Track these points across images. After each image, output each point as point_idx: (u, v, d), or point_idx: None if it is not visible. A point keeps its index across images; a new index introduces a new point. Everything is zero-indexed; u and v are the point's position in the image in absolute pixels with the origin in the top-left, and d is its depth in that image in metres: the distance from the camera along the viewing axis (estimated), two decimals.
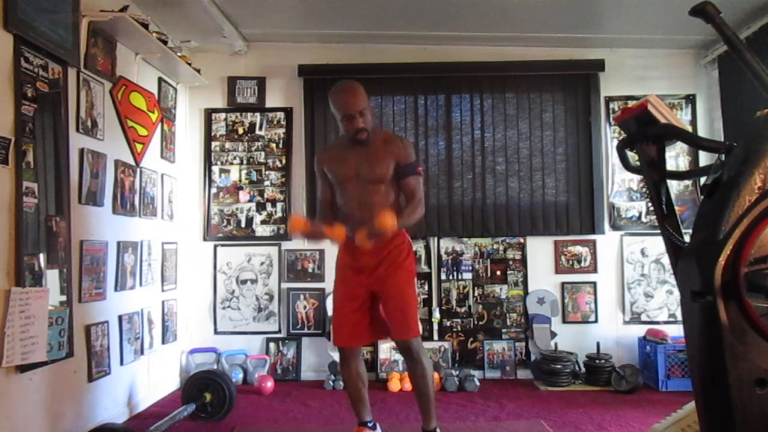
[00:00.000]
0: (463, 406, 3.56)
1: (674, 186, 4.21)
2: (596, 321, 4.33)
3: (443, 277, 4.36)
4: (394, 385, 3.94)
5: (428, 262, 4.36)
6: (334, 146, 2.90)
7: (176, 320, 4.14)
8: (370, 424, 2.76)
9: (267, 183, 4.41)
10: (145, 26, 3.28)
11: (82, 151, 2.96)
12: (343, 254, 2.74)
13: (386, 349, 4.20)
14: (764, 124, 1.46)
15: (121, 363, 3.32)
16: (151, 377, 3.71)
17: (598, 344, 4.13)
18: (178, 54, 3.85)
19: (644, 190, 3.47)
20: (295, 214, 2.70)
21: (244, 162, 4.42)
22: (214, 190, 4.41)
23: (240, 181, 4.41)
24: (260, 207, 4.40)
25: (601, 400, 3.65)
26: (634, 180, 4.34)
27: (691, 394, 1.61)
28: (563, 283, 4.37)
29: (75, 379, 2.88)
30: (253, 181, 4.41)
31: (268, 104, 4.44)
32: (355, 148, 2.65)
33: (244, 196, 4.40)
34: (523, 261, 4.38)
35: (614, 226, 4.38)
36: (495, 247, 4.39)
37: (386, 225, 2.36)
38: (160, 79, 3.95)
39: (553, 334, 4.24)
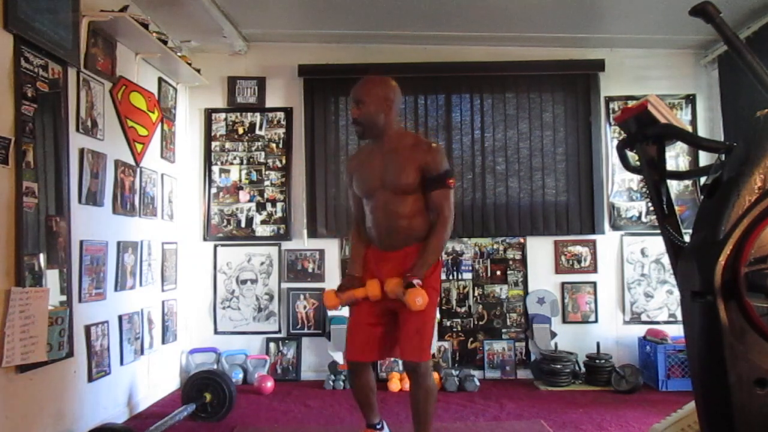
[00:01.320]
0: (463, 406, 3.56)
1: (674, 186, 4.22)
2: (596, 321, 4.34)
3: (443, 277, 4.36)
4: (394, 385, 3.94)
5: None
6: (362, 151, 2.72)
7: (176, 320, 4.14)
8: (378, 426, 2.72)
9: (267, 183, 4.41)
10: (145, 26, 3.28)
11: (82, 151, 2.96)
12: (368, 262, 2.62)
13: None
14: (764, 124, 1.46)
15: (121, 363, 3.32)
16: (151, 377, 3.71)
17: (598, 344, 4.13)
18: (178, 54, 3.85)
19: (644, 190, 3.46)
20: (328, 291, 2.59)
21: (244, 162, 4.42)
22: (214, 190, 4.41)
23: (240, 181, 4.41)
24: (260, 207, 4.40)
25: (601, 400, 3.65)
26: (634, 180, 4.34)
27: (691, 394, 1.61)
28: (563, 283, 4.37)
29: (75, 379, 2.88)
30: (253, 181, 4.41)
31: (268, 104, 4.44)
32: (381, 153, 2.50)
33: (244, 196, 4.40)
34: (523, 261, 4.38)
35: (614, 226, 4.38)
36: (495, 247, 4.39)
37: (415, 306, 2.25)
38: (160, 79, 3.95)
39: (553, 334, 4.24)
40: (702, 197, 1.60)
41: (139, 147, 3.56)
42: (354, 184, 2.62)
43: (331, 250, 4.37)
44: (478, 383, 3.92)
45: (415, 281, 2.32)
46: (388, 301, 2.46)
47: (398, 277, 2.42)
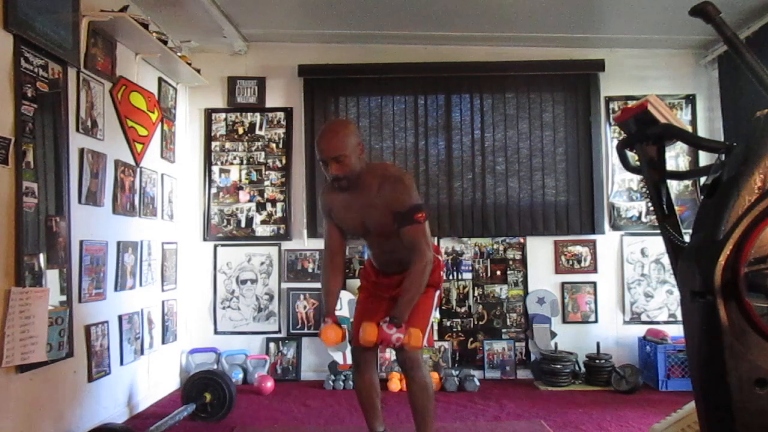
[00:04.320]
0: (463, 406, 3.56)
1: (674, 186, 4.21)
2: (596, 321, 4.33)
3: (443, 276, 4.34)
4: (394, 385, 3.94)
5: None
6: (333, 187, 2.48)
7: (176, 320, 4.14)
8: None
9: (267, 183, 4.41)
10: (145, 26, 3.28)
11: (82, 151, 2.96)
12: (369, 272, 2.67)
13: (387, 349, 4.19)
14: (764, 124, 1.46)
15: (121, 363, 3.32)
16: (151, 377, 3.71)
17: (598, 344, 4.13)
18: (178, 54, 3.85)
19: (644, 190, 3.46)
20: (328, 327, 2.47)
21: (244, 162, 4.42)
22: (214, 190, 4.41)
23: (240, 181, 4.41)
24: (260, 207, 4.40)
25: (601, 400, 3.65)
26: (634, 180, 4.34)
27: (691, 394, 1.61)
28: (563, 283, 4.36)
29: (75, 379, 2.88)
30: (253, 181, 4.41)
31: (268, 104, 4.44)
32: (354, 195, 2.39)
33: (244, 196, 4.40)
34: (523, 261, 4.38)
35: (614, 226, 4.38)
36: (495, 247, 4.39)
37: (367, 341, 2.26)
38: (160, 79, 3.95)
39: (553, 334, 4.24)
40: (702, 197, 1.60)
41: (139, 147, 3.56)
42: (336, 221, 2.56)
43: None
44: (478, 383, 3.92)
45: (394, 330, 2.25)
46: (388, 295, 2.54)
47: (397, 284, 2.48)
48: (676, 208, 1.81)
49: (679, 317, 3.66)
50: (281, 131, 4.43)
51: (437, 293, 2.57)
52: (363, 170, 2.37)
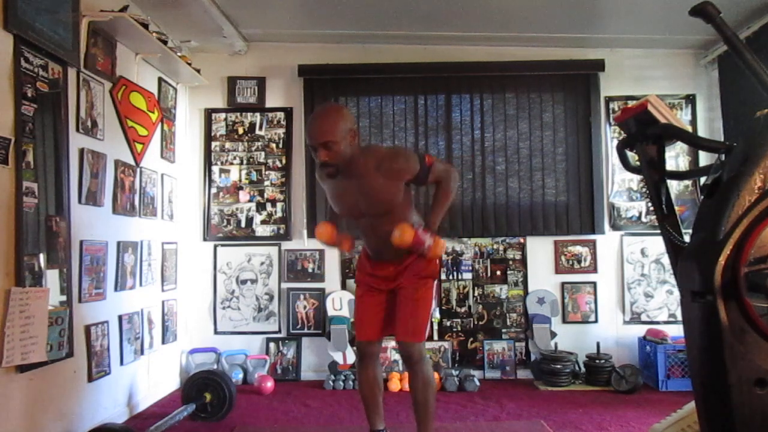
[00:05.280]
0: (463, 406, 3.56)
1: (674, 186, 4.21)
2: (596, 321, 4.33)
3: (443, 277, 4.36)
4: (394, 385, 3.94)
5: None
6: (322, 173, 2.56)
7: (176, 320, 4.14)
8: None
9: (267, 183, 4.41)
10: (145, 26, 3.28)
11: (82, 151, 2.96)
12: (365, 264, 2.66)
13: (387, 349, 4.20)
14: (764, 124, 1.46)
15: (121, 363, 3.32)
16: (151, 377, 3.71)
17: (598, 344, 4.13)
18: (178, 54, 3.85)
19: (644, 190, 3.47)
20: (323, 224, 2.60)
21: (244, 162, 4.42)
22: (214, 190, 4.41)
23: (240, 181, 4.41)
24: (260, 207, 4.40)
25: (601, 400, 3.65)
26: (634, 180, 4.34)
27: (691, 394, 1.61)
28: (563, 283, 4.36)
29: (75, 379, 2.88)
30: (253, 181, 4.41)
31: (268, 104, 4.44)
32: (350, 179, 2.38)
33: (244, 196, 4.40)
34: (523, 261, 4.38)
35: (614, 226, 4.38)
36: (495, 247, 4.39)
37: (404, 240, 2.31)
38: (160, 79, 3.95)
39: (553, 334, 4.24)
40: (702, 197, 1.60)
41: (139, 147, 3.56)
42: (331, 203, 2.59)
43: (331, 250, 4.36)
44: (478, 383, 3.92)
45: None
46: (386, 287, 2.56)
47: (394, 275, 2.53)
48: (676, 208, 1.81)
49: (679, 317, 3.66)
50: (281, 131, 4.43)
51: (435, 283, 2.61)
52: (355, 155, 2.34)
